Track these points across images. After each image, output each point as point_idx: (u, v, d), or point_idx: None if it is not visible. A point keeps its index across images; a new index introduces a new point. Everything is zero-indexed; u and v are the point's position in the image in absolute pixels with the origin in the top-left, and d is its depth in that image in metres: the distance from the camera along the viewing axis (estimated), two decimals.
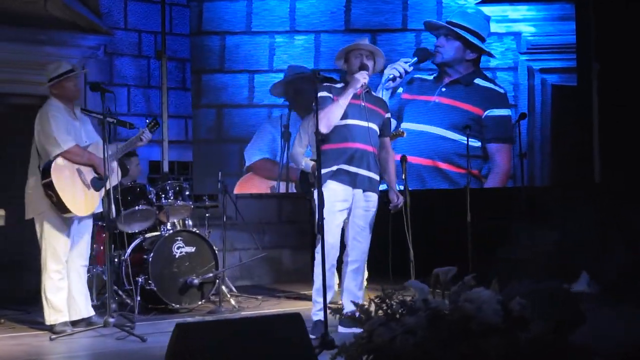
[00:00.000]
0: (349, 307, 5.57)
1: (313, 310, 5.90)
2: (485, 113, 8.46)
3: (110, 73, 9.24)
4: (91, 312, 6.47)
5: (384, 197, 6.22)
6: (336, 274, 6.49)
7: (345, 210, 5.89)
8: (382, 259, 7.41)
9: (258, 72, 8.56)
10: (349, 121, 5.85)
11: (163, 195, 7.39)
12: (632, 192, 8.22)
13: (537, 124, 8.72)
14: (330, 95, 5.89)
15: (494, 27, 8.61)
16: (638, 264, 7.71)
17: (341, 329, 5.64)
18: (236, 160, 8.54)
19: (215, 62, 8.63)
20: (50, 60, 8.18)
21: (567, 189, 8.72)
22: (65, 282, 6.26)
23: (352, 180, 5.86)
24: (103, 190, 6.21)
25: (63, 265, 6.23)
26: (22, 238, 6.46)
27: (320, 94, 5.89)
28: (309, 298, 6.77)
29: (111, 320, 6.01)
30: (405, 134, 7.83)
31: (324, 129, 5.76)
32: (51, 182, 5.99)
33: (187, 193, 7.55)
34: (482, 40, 8.44)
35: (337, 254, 5.96)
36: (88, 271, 6.89)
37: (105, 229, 6.65)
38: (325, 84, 6.03)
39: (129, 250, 7.31)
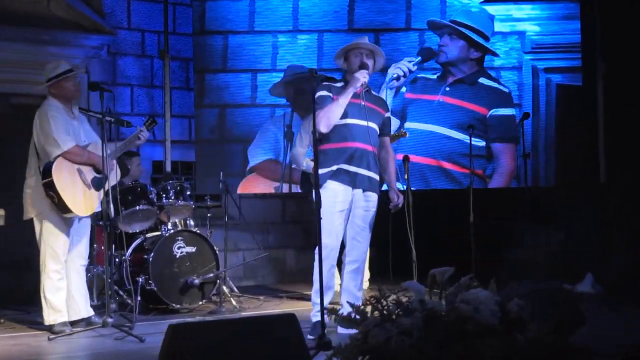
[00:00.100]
0: (347, 308, 5.53)
1: (313, 312, 5.87)
2: (490, 112, 8.41)
3: (113, 73, 9.22)
4: (90, 312, 6.47)
5: (383, 196, 6.18)
6: (337, 275, 6.45)
7: (345, 210, 5.85)
8: (383, 259, 7.39)
9: (261, 72, 8.53)
10: (349, 120, 5.81)
11: (164, 195, 7.37)
12: (637, 192, 8.17)
13: (542, 123, 8.66)
14: (330, 94, 5.85)
15: (498, 26, 8.56)
16: (638, 265, 7.67)
17: (340, 330, 5.60)
18: (239, 160, 8.51)
19: (218, 62, 8.60)
20: (53, 60, 8.23)
21: (572, 189, 8.67)
22: (65, 282, 6.25)
23: (352, 180, 5.82)
24: (106, 188, 6.19)
25: (62, 266, 6.22)
26: (23, 238, 6.44)
27: (319, 93, 5.87)
28: (310, 298, 6.73)
29: (110, 320, 6.00)
30: (407, 134, 7.79)
31: (323, 128, 5.73)
32: (52, 182, 5.98)
33: (188, 193, 7.52)
34: (486, 39, 8.40)
35: (337, 254, 5.92)
36: (88, 271, 6.91)
37: (104, 228, 6.64)
38: (324, 83, 6.00)
39: (129, 250, 7.29)
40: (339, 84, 5.97)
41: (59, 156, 6.03)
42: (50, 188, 5.98)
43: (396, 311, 4.27)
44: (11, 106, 8.49)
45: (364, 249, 5.99)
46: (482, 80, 8.47)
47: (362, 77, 5.77)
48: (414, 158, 8.15)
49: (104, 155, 5.95)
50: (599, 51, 8.72)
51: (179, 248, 7.22)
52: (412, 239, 7.35)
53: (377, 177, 5.96)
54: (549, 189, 8.69)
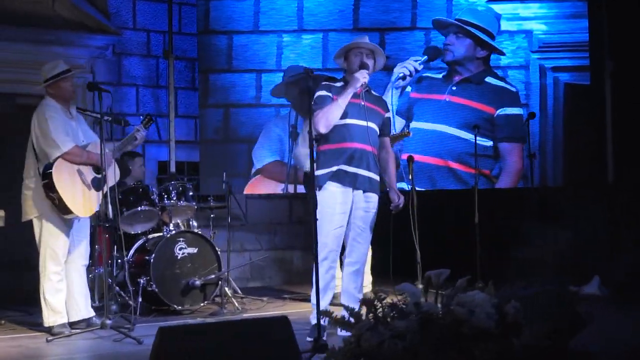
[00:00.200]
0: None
1: (312, 313, 5.81)
2: (497, 112, 8.32)
3: (118, 73, 9.21)
4: (91, 313, 6.44)
5: (384, 197, 6.11)
6: (338, 276, 6.39)
7: (345, 212, 5.80)
8: (385, 260, 7.34)
9: (265, 72, 8.48)
10: (348, 121, 5.75)
11: (166, 196, 7.34)
12: None
13: (549, 123, 8.57)
14: (330, 94, 5.79)
15: (505, 25, 8.48)
16: None
17: (341, 333, 5.55)
18: (244, 161, 8.46)
19: (223, 62, 8.56)
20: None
21: (580, 189, 8.59)
22: (64, 283, 6.23)
23: (352, 181, 5.76)
24: (105, 189, 6.16)
25: (62, 267, 6.20)
26: (23, 238, 6.41)
27: (319, 93, 5.83)
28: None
29: (108, 322, 5.98)
30: (411, 134, 7.72)
31: (322, 129, 5.69)
32: (53, 183, 5.96)
33: (190, 194, 7.48)
34: (493, 37, 8.32)
35: (337, 256, 5.87)
36: (90, 272, 6.87)
37: (102, 228, 6.62)
38: (324, 83, 5.94)
39: (131, 251, 7.27)
40: (338, 84, 5.91)
41: (58, 157, 6.00)
42: (50, 189, 5.96)
43: (391, 314, 4.23)
44: (15, 106, 8.48)
45: (365, 250, 5.93)
46: (489, 79, 8.39)
47: (362, 77, 5.71)
48: (420, 158, 8.11)
49: (103, 156, 5.92)
50: (606, 50, 8.63)
51: (180, 249, 7.18)
52: (417, 240, 7.30)
53: (377, 177, 5.89)
54: (556, 189, 8.61)
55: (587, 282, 7.75)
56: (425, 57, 8.25)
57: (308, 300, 7.90)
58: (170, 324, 5.92)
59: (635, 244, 7.94)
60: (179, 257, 7.18)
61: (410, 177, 7.42)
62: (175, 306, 7.06)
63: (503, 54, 8.40)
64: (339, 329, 5.59)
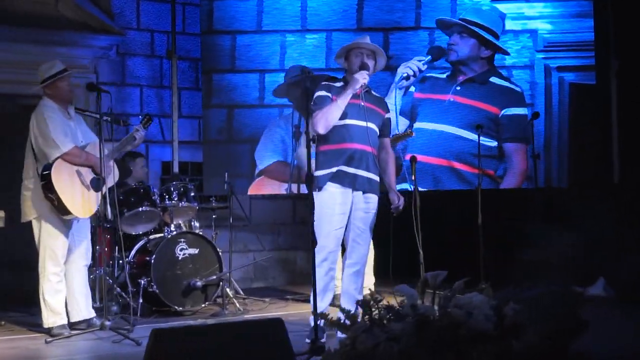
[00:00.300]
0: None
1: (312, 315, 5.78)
2: (502, 112, 8.27)
3: (122, 73, 9.19)
4: (92, 313, 6.43)
5: (385, 198, 6.07)
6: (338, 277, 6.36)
7: (345, 213, 5.76)
8: (386, 261, 7.30)
9: (269, 72, 8.44)
10: (347, 121, 5.72)
11: (167, 197, 7.31)
12: None
13: (555, 123, 8.52)
14: (329, 94, 5.75)
15: (510, 25, 8.43)
16: None
17: (340, 334, 5.52)
18: (247, 161, 8.42)
19: (226, 62, 8.52)
20: (62, 61, 8.19)
21: (585, 189, 8.53)
22: (64, 284, 6.23)
23: (352, 182, 5.72)
24: (103, 190, 6.14)
25: (61, 268, 6.20)
26: (24, 238, 6.39)
27: (318, 93, 5.80)
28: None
29: (107, 323, 5.97)
30: (414, 134, 7.68)
31: (321, 129, 5.66)
32: (52, 184, 5.95)
33: (192, 194, 7.46)
34: (497, 37, 8.27)
35: (337, 257, 5.84)
36: (91, 273, 6.85)
37: (103, 229, 6.61)
38: (324, 83, 5.91)
39: (133, 252, 7.26)
40: (338, 84, 5.86)
41: (57, 158, 5.99)
42: (49, 190, 5.95)
43: (387, 316, 4.20)
44: (17, 107, 8.48)
45: (365, 251, 5.89)
46: (493, 79, 8.33)
47: (362, 78, 5.67)
48: (424, 158, 8.06)
49: (102, 156, 5.90)
50: (612, 49, 8.58)
51: (181, 250, 7.16)
52: (420, 241, 7.24)
53: (377, 178, 5.85)
54: (561, 190, 8.55)
55: (593, 283, 7.71)
56: (429, 57, 8.21)
57: (309, 301, 7.91)
58: (165, 325, 5.90)
59: (637, 245, 7.89)
60: (179, 258, 7.16)
61: (412, 178, 7.36)
62: (176, 307, 7.05)
63: (508, 53, 8.35)
64: (338, 331, 5.57)
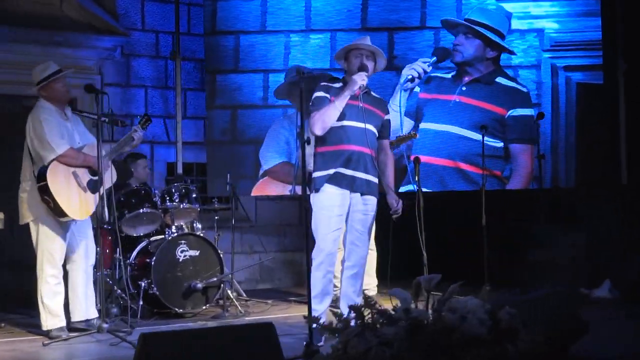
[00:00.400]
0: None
1: None
2: (508, 113, 8.18)
3: (127, 74, 9.17)
4: (94, 314, 6.38)
5: (383, 199, 6.01)
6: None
7: (342, 215, 5.71)
8: (394, 262, 7.24)
9: (273, 72, 8.40)
10: (345, 122, 5.66)
11: (168, 198, 7.28)
12: None
13: (562, 123, 8.43)
14: (328, 95, 5.70)
15: (516, 24, 8.34)
16: None
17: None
18: (251, 162, 8.37)
19: (230, 62, 8.49)
20: (67, 62, 8.18)
21: (592, 190, 8.45)
22: (62, 286, 6.21)
23: (350, 184, 5.67)
24: (101, 191, 6.11)
25: (59, 270, 6.17)
26: (25, 238, 6.37)
27: (317, 94, 5.76)
28: None
29: (105, 325, 5.94)
30: (417, 136, 7.61)
31: (318, 131, 5.62)
32: (47, 186, 5.93)
33: (194, 195, 7.42)
34: (502, 37, 8.18)
35: (335, 260, 5.79)
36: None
37: (103, 230, 6.59)
38: (322, 83, 5.86)
39: (134, 253, 7.23)
40: (337, 85, 5.81)
41: (53, 160, 5.96)
42: (45, 192, 5.93)
43: (380, 320, 4.15)
44: (22, 107, 8.47)
45: (363, 253, 5.83)
46: (499, 79, 8.24)
47: (360, 79, 5.60)
48: (430, 159, 8.01)
49: (99, 157, 5.87)
50: (620, 48, 8.48)
51: (182, 252, 7.12)
52: (423, 243, 7.18)
53: (375, 180, 5.79)
54: (568, 190, 8.48)
55: (599, 284, 7.65)
56: (434, 58, 8.13)
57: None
58: (155, 329, 5.88)
59: None
60: (180, 260, 7.12)
61: (416, 179, 7.30)
62: (177, 309, 7.01)
63: (513, 53, 8.27)
64: (336, 334, 5.51)
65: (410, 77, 8.03)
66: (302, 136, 5.09)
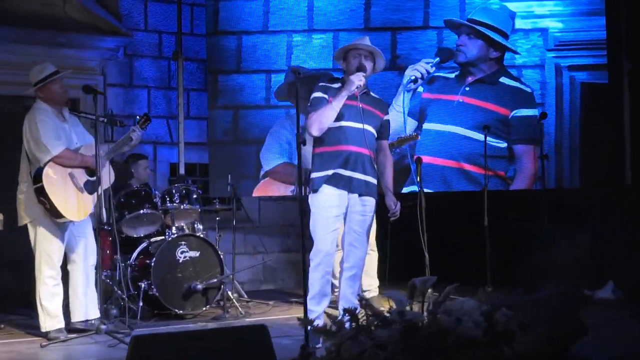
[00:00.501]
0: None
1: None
2: (512, 113, 8.14)
3: (130, 75, 9.16)
4: (94, 315, 6.35)
5: (383, 202, 5.97)
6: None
7: (340, 215, 5.68)
8: (396, 264, 7.21)
9: (275, 72, 8.37)
10: (343, 123, 5.61)
11: (168, 199, 7.26)
12: None
13: (566, 123, 8.39)
14: (326, 96, 5.65)
15: (520, 23, 8.29)
16: None
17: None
18: (253, 162, 8.35)
19: (232, 63, 8.47)
20: (70, 63, 8.19)
21: (597, 189, 8.39)
22: (61, 287, 6.19)
23: (347, 184, 5.62)
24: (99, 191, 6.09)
25: (57, 271, 6.16)
26: (24, 239, 6.35)
27: (315, 94, 5.72)
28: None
29: (103, 327, 5.92)
30: (418, 137, 7.58)
31: (315, 132, 5.58)
32: (43, 188, 5.91)
33: (194, 196, 7.39)
34: (506, 37, 8.13)
35: (332, 260, 5.76)
36: None
37: (103, 231, 6.57)
38: (321, 84, 5.82)
39: (135, 254, 7.21)
40: (336, 85, 5.75)
41: (49, 161, 5.95)
42: (41, 194, 5.92)
43: (374, 323, 4.11)
44: (24, 108, 8.47)
45: (362, 255, 5.79)
46: (503, 79, 8.20)
47: (357, 80, 5.54)
48: (433, 160, 7.98)
49: (97, 158, 5.85)
50: (624, 48, 8.42)
51: (182, 253, 7.09)
52: (425, 243, 7.14)
53: (374, 181, 5.74)
54: (572, 191, 8.42)
55: (603, 285, 7.59)
56: (437, 58, 8.08)
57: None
58: (145, 331, 5.86)
59: None
60: (180, 261, 7.09)
61: (418, 179, 7.26)
62: (177, 310, 6.98)
63: (517, 52, 8.22)
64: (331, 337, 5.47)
65: (413, 78, 7.98)
66: (299, 137, 5.05)
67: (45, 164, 5.95)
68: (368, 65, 5.74)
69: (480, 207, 7.57)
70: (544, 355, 4.06)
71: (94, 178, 6.04)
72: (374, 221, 6.86)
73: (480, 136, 7.83)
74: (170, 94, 9.32)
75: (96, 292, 6.41)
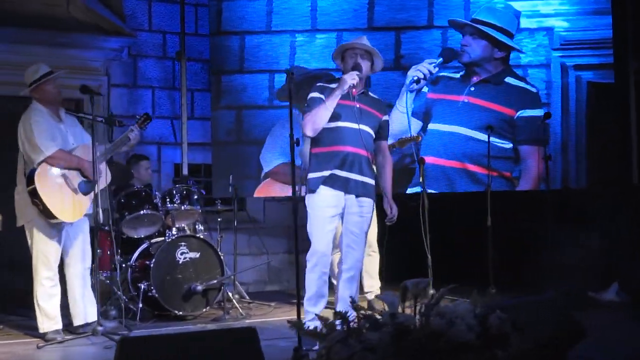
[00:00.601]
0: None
1: (305, 321, 5.65)
2: (518, 114, 8.06)
3: (134, 75, 9.15)
4: (94, 318, 6.33)
5: (382, 203, 5.91)
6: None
7: (337, 216, 5.63)
8: (398, 265, 7.17)
9: (278, 72, 8.33)
10: (340, 123, 5.55)
11: (169, 200, 7.23)
12: None
13: (572, 122, 8.30)
14: (322, 96, 5.59)
15: (525, 23, 8.21)
16: None
17: None
18: (256, 162, 8.32)
19: (235, 63, 8.44)
20: (74, 63, 8.19)
21: (603, 190, 8.31)
22: (58, 288, 6.18)
23: (344, 185, 5.57)
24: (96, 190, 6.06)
25: (54, 272, 6.14)
26: (23, 239, 6.34)
27: (311, 95, 5.68)
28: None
29: (100, 328, 5.90)
30: (420, 139, 7.53)
31: (309, 132, 5.54)
32: (35, 189, 5.90)
33: (195, 197, 7.36)
34: (511, 37, 8.05)
35: (329, 261, 5.73)
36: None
37: (102, 232, 6.55)
38: (318, 84, 5.77)
39: (135, 255, 7.19)
40: (333, 85, 5.70)
41: (42, 162, 5.93)
42: (34, 195, 5.91)
43: (365, 325, 4.07)
44: (25, 108, 8.45)
45: (359, 256, 5.74)
46: (508, 79, 8.12)
47: (351, 79, 5.47)
48: (438, 160, 7.93)
49: (94, 158, 5.83)
50: (630, 47, 8.33)
51: (182, 254, 7.06)
52: (428, 244, 7.10)
53: (372, 181, 5.68)
54: (579, 191, 8.35)
55: (608, 286, 7.53)
56: (441, 59, 8.00)
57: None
58: (152, 331, 5.82)
59: None
60: (180, 262, 7.06)
61: (421, 180, 7.21)
62: (177, 311, 6.95)
63: (522, 52, 8.15)
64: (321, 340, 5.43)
65: (415, 78, 7.91)
66: (292, 137, 5.02)
67: (39, 165, 5.93)
68: (365, 64, 5.68)
69: (485, 207, 7.51)
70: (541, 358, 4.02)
71: (87, 178, 6.02)
72: (375, 222, 6.84)
73: (485, 137, 7.75)
74: (174, 95, 9.30)
75: (93, 293, 6.39)
